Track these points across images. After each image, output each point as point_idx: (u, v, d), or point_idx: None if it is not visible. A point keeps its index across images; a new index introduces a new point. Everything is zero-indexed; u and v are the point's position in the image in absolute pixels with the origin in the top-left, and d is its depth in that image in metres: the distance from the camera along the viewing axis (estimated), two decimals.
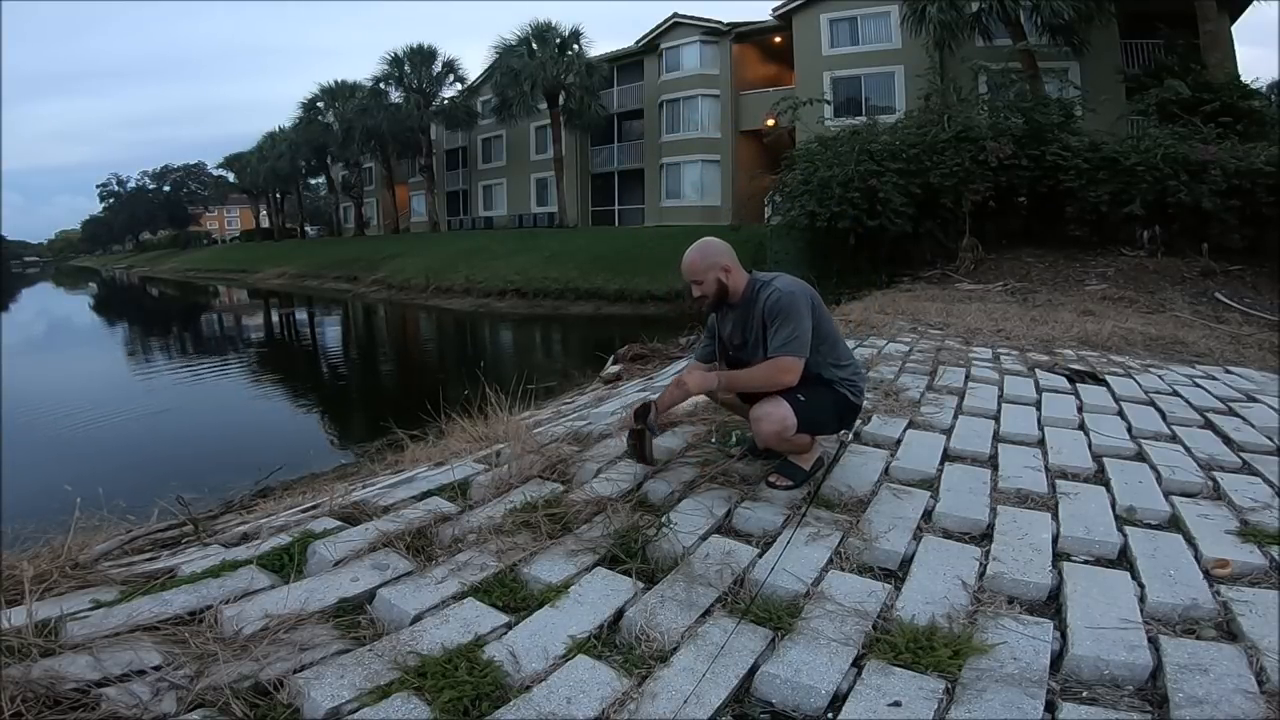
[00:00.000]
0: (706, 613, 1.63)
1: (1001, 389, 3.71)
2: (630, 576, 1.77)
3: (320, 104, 37.75)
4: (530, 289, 18.64)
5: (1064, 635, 1.54)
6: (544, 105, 27.41)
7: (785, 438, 2.19)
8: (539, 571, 1.79)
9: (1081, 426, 3.10)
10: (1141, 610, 1.63)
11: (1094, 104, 12.96)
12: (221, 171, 56.55)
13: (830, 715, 1.35)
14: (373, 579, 1.72)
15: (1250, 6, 15.54)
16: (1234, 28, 15.49)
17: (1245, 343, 6.28)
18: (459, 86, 33.00)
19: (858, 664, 1.46)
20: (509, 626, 1.56)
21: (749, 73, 25.90)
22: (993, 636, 1.53)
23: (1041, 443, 2.84)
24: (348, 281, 26.21)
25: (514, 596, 1.69)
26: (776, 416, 2.15)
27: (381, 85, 33.35)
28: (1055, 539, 1.99)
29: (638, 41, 27.83)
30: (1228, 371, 4.76)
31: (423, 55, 32.25)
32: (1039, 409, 3.36)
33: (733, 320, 2.36)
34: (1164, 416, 3.31)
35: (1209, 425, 3.22)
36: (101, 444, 7.23)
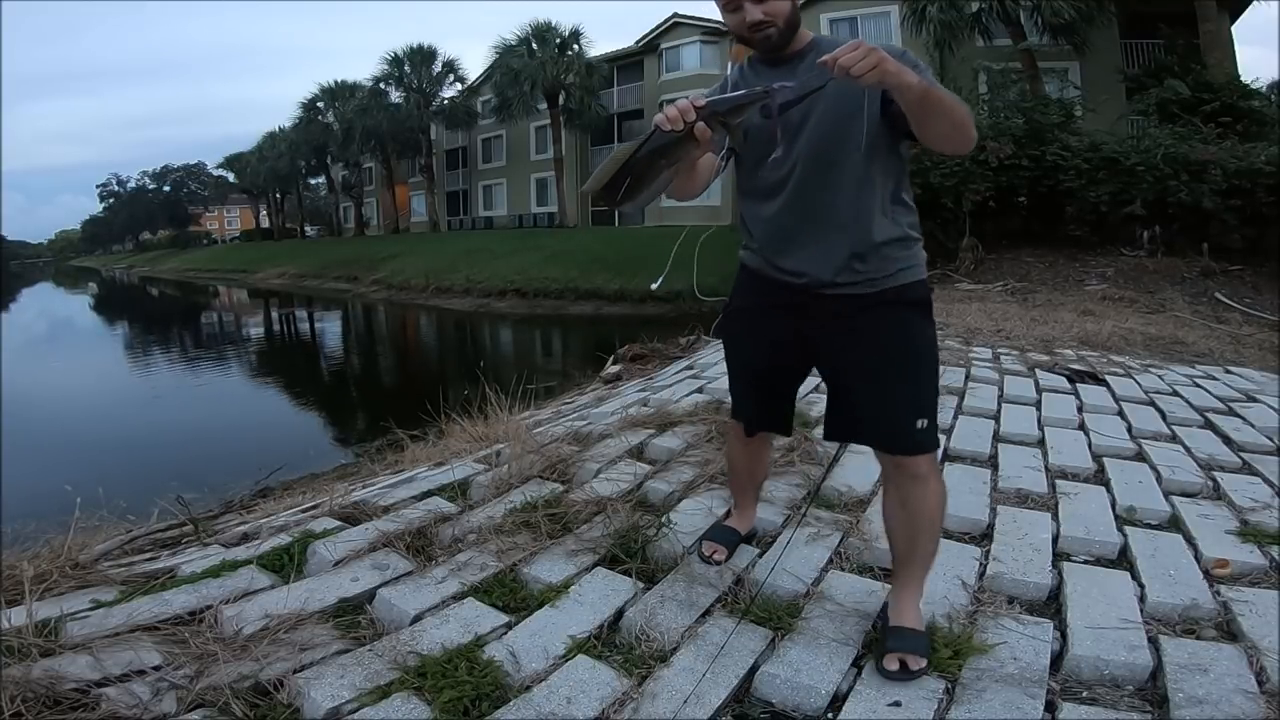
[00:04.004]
0: (706, 613, 1.63)
1: (1001, 389, 3.71)
2: (630, 576, 1.77)
3: (320, 104, 37.75)
4: (530, 289, 18.62)
5: (1064, 635, 1.54)
6: (544, 105, 27.40)
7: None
8: (539, 571, 1.78)
9: (1081, 426, 3.10)
10: (1141, 610, 1.64)
11: (1094, 104, 12.95)
12: (221, 171, 56.70)
13: (830, 715, 1.35)
14: (373, 579, 1.72)
15: (1250, 6, 15.55)
16: (1234, 28, 15.48)
17: (1245, 343, 6.28)
18: (459, 86, 33.04)
19: (858, 664, 1.46)
20: (509, 626, 1.56)
21: None
22: (993, 636, 1.53)
23: (1041, 443, 2.84)
24: (348, 281, 26.19)
25: (514, 596, 1.69)
26: (941, 492, 1.51)
27: (381, 85, 33.36)
28: (1055, 539, 1.99)
29: (638, 41, 27.83)
30: (1228, 371, 4.76)
31: (423, 55, 32.25)
32: (1039, 409, 3.36)
33: (780, 77, 1.41)
34: (1164, 416, 3.31)
35: (1209, 425, 3.22)
36: (101, 444, 7.22)
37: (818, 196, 1.44)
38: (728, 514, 2.01)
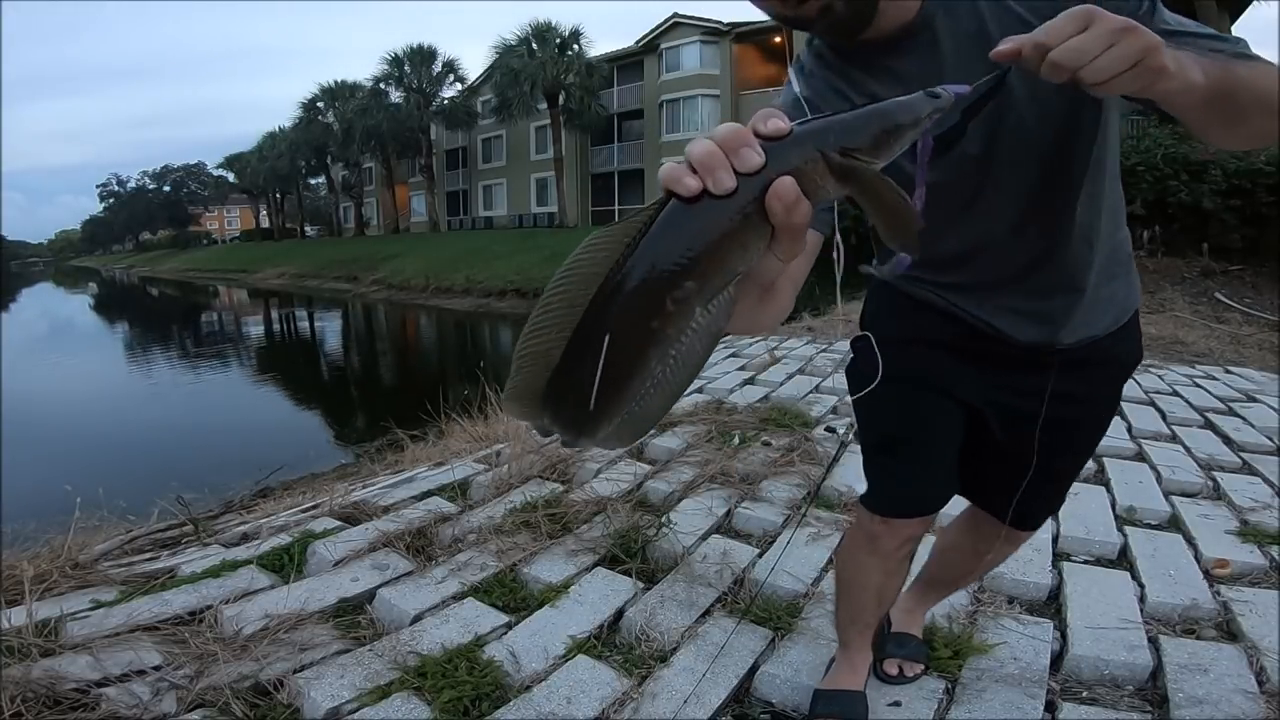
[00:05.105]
0: (706, 613, 1.63)
1: None
2: (630, 576, 1.77)
3: (320, 104, 37.76)
4: (530, 289, 18.63)
5: (1064, 635, 1.55)
6: (544, 105, 27.41)
7: None
8: (539, 571, 1.79)
9: None
10: (1141, 610, 1.64)
11: None
12: (221, 171, 56.78)
13: None
14: (373, 579, 1.72)
15: (1250, 6, 15.56)
16: (1234, 28, 15.49)
17: (1245, 343, 6.28)
18: (459, 86, 33.04)
19: None
20: (509, 626, 1.56)
21: (749, 73, 25.90)
22: (993, 636, 1.53)
23: None
24: (348, 282, 26.22)
25: (514, 596, 1.70)
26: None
27: (381, 85, 33.38)
28: (1055, 539, 1.99)
29: (638, 41, 27.85)
30: (1228, 371, 4.76)
31: (423, 55, 32.26)
32: None
33: (893, 79, 0.81)
34: (1164, 416, 3.31)
35: (1209, 425, 3.22)
36: (101, 444, 7.23)
37: (1027, 246, 0.93)
38: (831, 662, 1.39)
